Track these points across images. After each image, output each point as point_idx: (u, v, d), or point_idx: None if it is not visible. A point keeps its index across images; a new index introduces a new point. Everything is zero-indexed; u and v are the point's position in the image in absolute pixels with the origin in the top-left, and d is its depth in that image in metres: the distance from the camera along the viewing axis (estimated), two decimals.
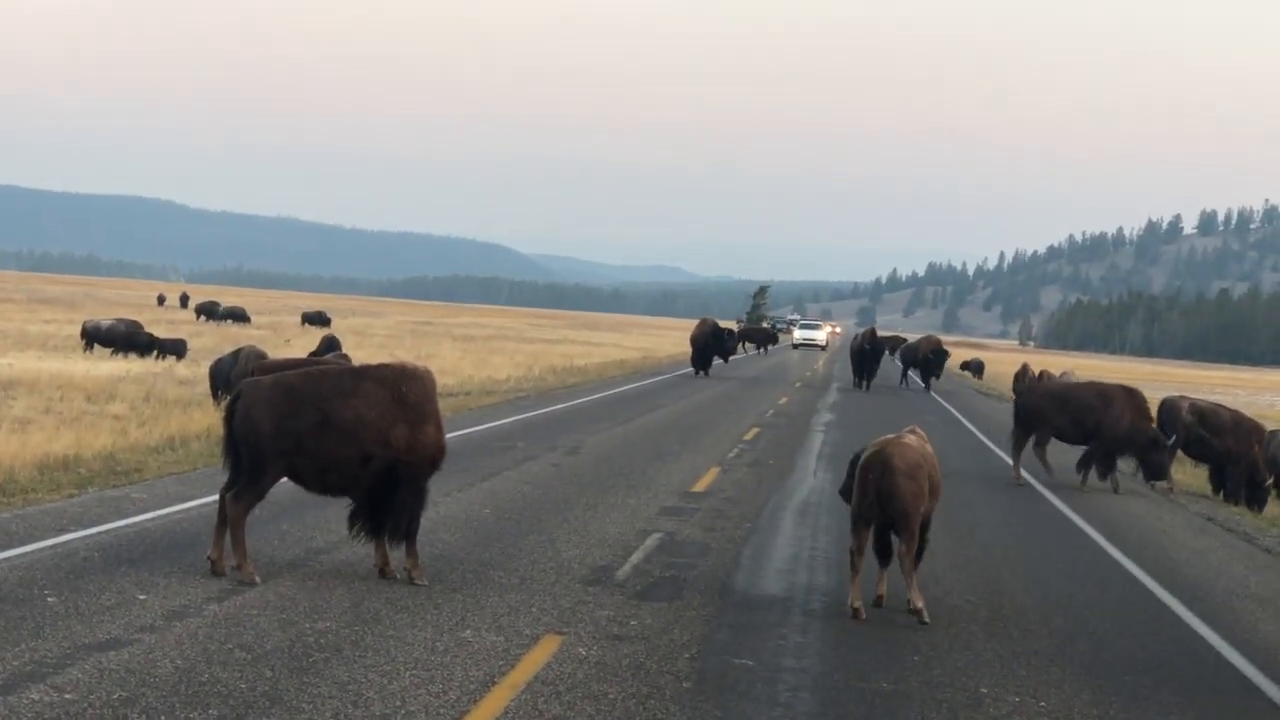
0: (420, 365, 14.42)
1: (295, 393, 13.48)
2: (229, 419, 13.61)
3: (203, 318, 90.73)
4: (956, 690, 11.42)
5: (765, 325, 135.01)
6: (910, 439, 14.05)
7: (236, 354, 28.95)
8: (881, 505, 13.51)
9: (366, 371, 14.03)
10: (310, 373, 14.11)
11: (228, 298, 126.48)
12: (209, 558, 13.47)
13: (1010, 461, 27.52)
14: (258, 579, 13.17)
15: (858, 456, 14.23)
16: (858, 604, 13.54)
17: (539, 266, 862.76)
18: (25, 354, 44.40)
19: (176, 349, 46.91)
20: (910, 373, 64.31)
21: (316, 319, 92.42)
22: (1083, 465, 26.74)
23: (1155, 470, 26.61)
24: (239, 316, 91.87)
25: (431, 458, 13.78)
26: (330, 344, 40.10)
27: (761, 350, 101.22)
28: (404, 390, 13.67)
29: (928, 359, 62.28)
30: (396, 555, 13.82)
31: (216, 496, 17.20)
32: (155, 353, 46.48)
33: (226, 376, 28.10)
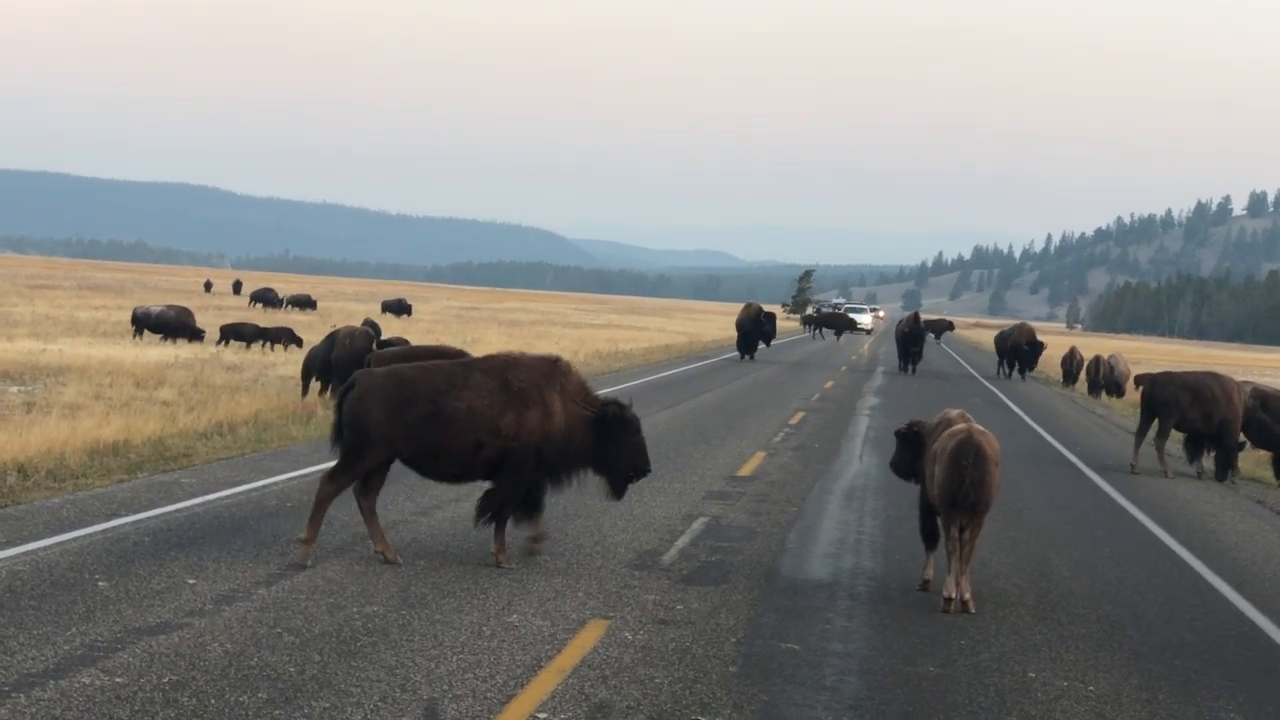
0: (535, 354, 14.70)
1: (410, 385, 13.80)
2: (340, 406, 13.93)
3: (258, 305, 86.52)
4: (1004, 674, 11.38)
5: (811, 311, 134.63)
6: (961, 424, 13.97)
7: (331, 338, 28.34)
8: (971, 492, 13.35)
9: (475, 363, 14.36)
10: (425, 367, 14.44)
11: (274, 283, 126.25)
12: (376, 551, 13.74)
13: (1141, 452, 26.86)
14: (309, 562, 13.29)
15: (912, 432, 14.28)
16: (952, 594, 13.40)
17: (584, 252, 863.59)
18: (76, 340, 44.73)
19: (284, 337, 47.04)
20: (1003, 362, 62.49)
21: (397, 307, 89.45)
22: (1225, 467, 26.42)
23: (1230, 463, 26.47)
24: (304, 304, 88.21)
25: (536, 445, 13.92)
26: (371, 329, 40.11)
27: (838, 336, 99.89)
28: (509, 378, 13.93)
29: (1021, 349, 60.84)
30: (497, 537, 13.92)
31: (265, 481, 17.32)
32: (264, 342, 46.69)
33: (325, 361, 27.59)
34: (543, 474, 14.07)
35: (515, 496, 14.00)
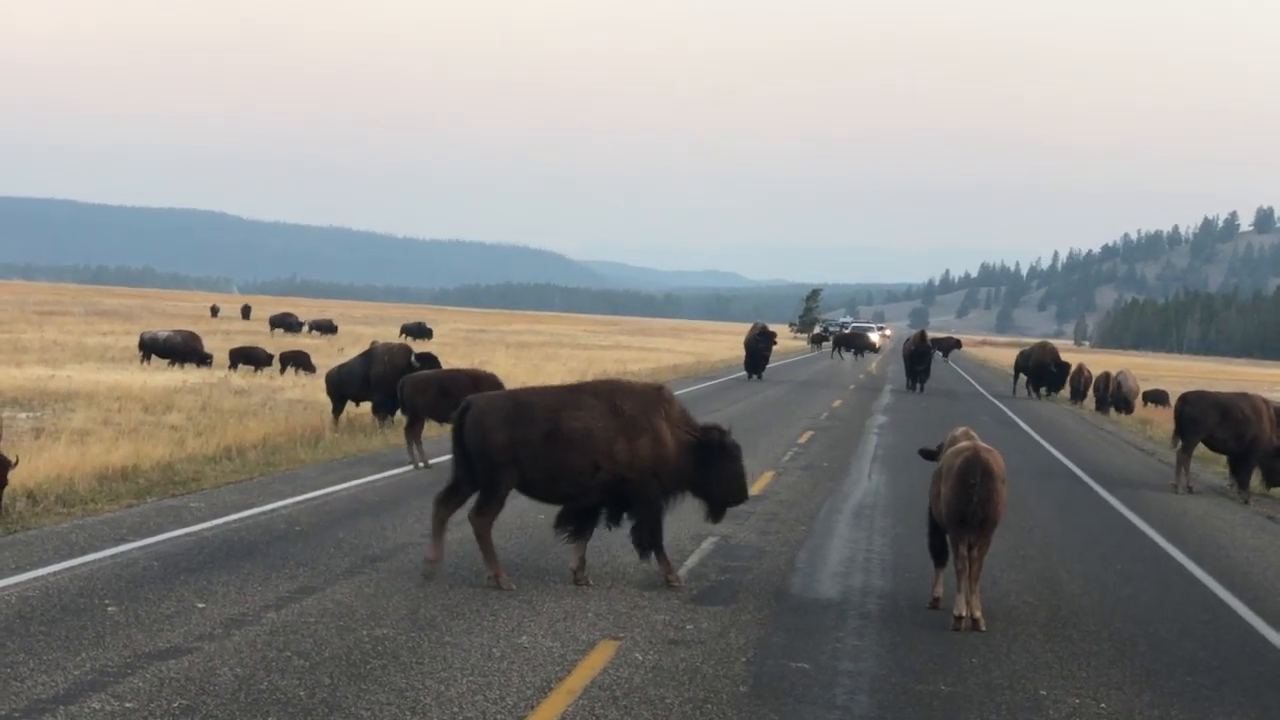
0: (641, 381, 15.07)
1: (525, 406, 14.04)
2: (458, 431, 14.06)
3: (279, 330, 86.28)
4: (1015, 692, 11.35)
5: (819, 330, 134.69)
6: (965, 441, 13.96)
7: (367, 354, 28.04)
8: (979, 510, 13.32)
9: (583, 387, 14.64)
10: (536, 388, 14.87)
11: (282, 308, 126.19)
12: (427, 558, 13.96)
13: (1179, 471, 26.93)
14: (513, 585, 13.70)
15: (938, 449, 14.27)
16: (963, 612, 13.35)
17: (591, 273, 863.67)
18: (84, 366, 44.80)
19: (300, 361, 47.05)
20: (1024, 381, 61.78)
21: (416, 330, 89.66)
22: (1243, 483, 26.42)
23: (1276, 477, 26.45)
24: (325, 328, 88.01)
25: (652, 471, 14.10)
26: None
27: (858, 355, 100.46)
28: (617, 403, 14.15)
29: (1048, 371, 59.81)
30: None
31: (274, 505, 17.38)
32: (283, 366, 46.76)
33: (361, 379, 27.36)
34: (666, 498, 14.32)
35: (657, 521, 14.26)
